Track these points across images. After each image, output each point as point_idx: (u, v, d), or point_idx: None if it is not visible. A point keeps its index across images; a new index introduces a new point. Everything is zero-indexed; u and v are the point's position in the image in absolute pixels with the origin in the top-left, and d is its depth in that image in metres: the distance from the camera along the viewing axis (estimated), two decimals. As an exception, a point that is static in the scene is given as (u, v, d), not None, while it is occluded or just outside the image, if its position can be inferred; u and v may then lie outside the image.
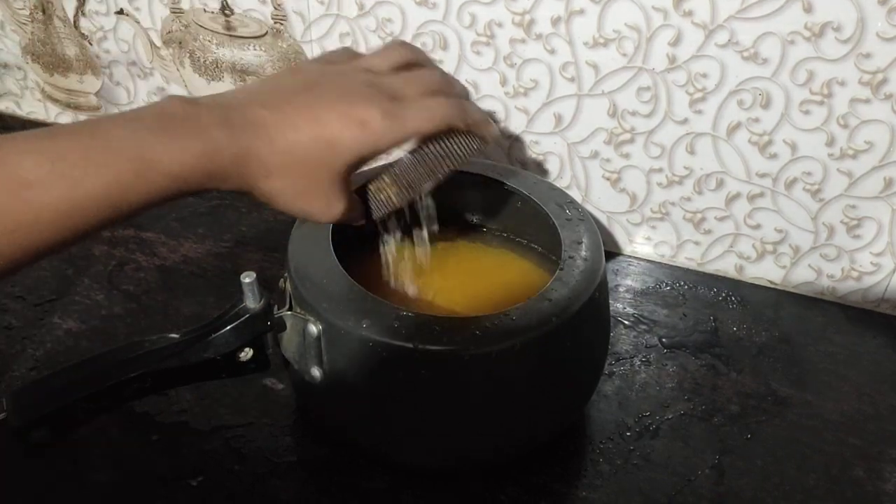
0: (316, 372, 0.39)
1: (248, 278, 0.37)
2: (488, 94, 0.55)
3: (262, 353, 0.39)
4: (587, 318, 0.40)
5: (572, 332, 0.39)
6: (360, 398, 0.39)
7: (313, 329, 0.38)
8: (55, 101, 0.73)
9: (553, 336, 0.38)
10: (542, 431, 0.42)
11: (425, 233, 0.44)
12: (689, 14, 0.47)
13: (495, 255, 0.50)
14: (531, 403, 0.40)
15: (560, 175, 0.57)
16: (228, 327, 0.38)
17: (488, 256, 0.50)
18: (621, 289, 0.56)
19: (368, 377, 0.38)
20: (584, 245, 0.42)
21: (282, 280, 0.42)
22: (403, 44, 0.40)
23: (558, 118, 0.55)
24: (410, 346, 0.36)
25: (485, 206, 0.51)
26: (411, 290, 0.45)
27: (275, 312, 0.39)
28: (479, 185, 0.49)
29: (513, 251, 0.51)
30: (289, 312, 0.39)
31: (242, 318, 0.38)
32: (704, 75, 0.49)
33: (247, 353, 0.39)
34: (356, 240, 0.43)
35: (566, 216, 0.44)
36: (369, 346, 0.37)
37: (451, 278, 0.48)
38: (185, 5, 0.61)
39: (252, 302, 0.38)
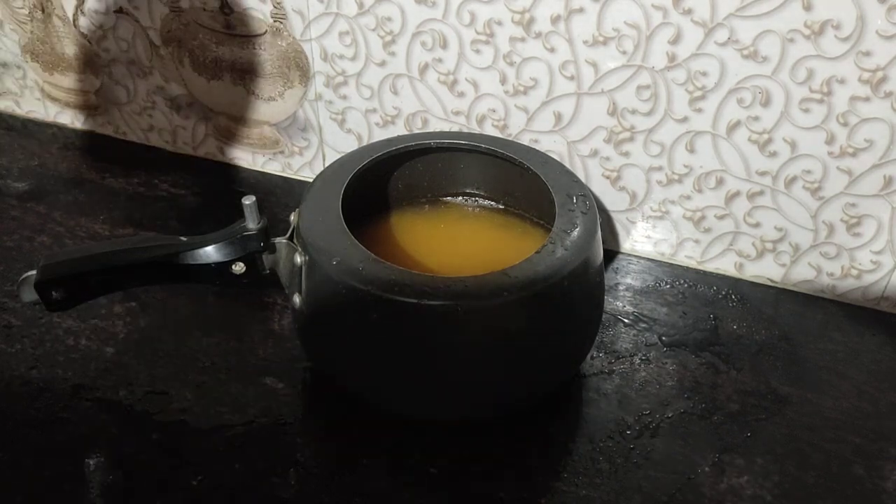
0: (297, 300, 0.43)
1: (248, 200, 0.42)
2: (488, 92, 0.55)
3: (254, 271, 0.44)
4: (581, 277, 0.41)
5: (565, 292, 0.40)
6: (327, 332, 0.42)
7: (298, 259, 0.42)
8: (54, 100, 0.73)
9: (546, 295, 0.39)
10: (522, 391, 0.43)
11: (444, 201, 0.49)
12: (689, 12, 0.47)
13: (504, 229, 0.52)
14: (507, 358, 0.41)
15: (560, 173, 0.57)
16: (225, 240, 0.43)
17: (497, 231, 0.52)
18: (621, 287, 0.56)
19: (332, 313, 0.41)
20: (579, 209, 0.44)
21: (293, 213, 0.45)
22: None
23: (558, 116, 0.55)
24: (366, 289, 0.38)
25: (493, 180, 0.53)
26: (415, 255, 0.49)
27: (274, 238, 0.44)
28: (486, 162, 0.51)
29: (522, 225, 0.52)
30: (284, 241, 0.43)
31: (239, 235, 0.43)
32: (704, 73, 0.49)
33: (240, 268, 0.43)
34: (377, 206, 0.51)
35: (567, 190, 0.45)
36: (334, 284, 0.39)
37: (456, 246, 0.51)
38: (184, 4, 0.61)
39: (251, 223, 0.42)
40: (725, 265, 0.58)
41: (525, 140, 0.57)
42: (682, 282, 0.57)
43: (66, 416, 0.45)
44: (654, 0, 0.48)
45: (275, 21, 0.59)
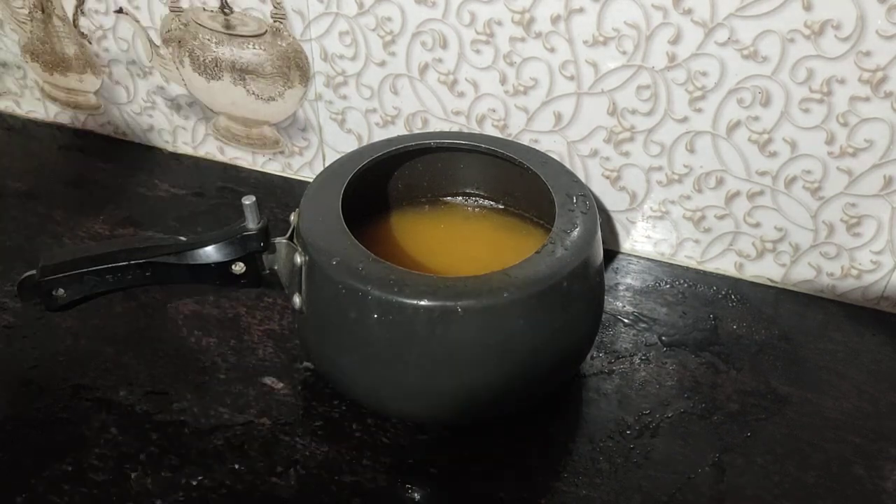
0: (297, 300, 0.42)
1: (248, 200, 0.42)
2: (488, 92, 0.55)
3: (254, 271, 0.44)
4: (581, 277, 0.41)
5: (565, 293, 0.40)
6: (327, 332, 0.42)
7: (298, 259, 0.42)
8: (54, 99, 0.73)
9: (546, 295, 0.39)
10: (522, 392, 0.43)
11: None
12: (689, 12, 0.47)
13: (504, 229, 0.52)
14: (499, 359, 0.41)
15: (560, 173, 0.57)
16: (225, 240, 0.43)
17: (497, 231, 0.52)
18: (621, 287, 0.56)
19: (332, 313, 0.41)
20: (579, 209, 0.44)
21: (293, 213, 0.45)
22: None
23: (558, 117, 0.55)
24: (366, 289, 0.38)
25: (493, 180, 0.53)
26: (415, 255, 0.49)
27: (274, 238, 0.44)
28: (486, 162, 0.51)
29: (522, 225, 0.52)
30: (284, 241, 0.43)
31: (239, 235, 0.43)
32: (704, 73, 0.49)
33: (240, 268, 0.43)
34: (377, 206, 0.51)
35: (567, 190, 0.45)
36: (334, 284, 0.39)
37: (456, 246, 0.51)
38: (184, 4, 0.61)
39: (251, 223, 0.42)
40: (725, 265, 0.58)
41: (525, 140, 0.57)
42: (682, 282, 0.57)
43: (66, 416, 0.45)
44: (654, 0, 0.48)
45: (275, 21, 0.59)
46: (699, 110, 0.51)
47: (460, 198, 0.54)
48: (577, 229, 0.42)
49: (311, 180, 0.47)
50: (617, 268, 0.58)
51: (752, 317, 0.54)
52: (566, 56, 0.52)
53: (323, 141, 0.64)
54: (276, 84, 0.62)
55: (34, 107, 0.75)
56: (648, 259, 0.59)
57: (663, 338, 0.52)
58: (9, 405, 0.46)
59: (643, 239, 0.59)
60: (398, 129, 0.60)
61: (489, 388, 0.41)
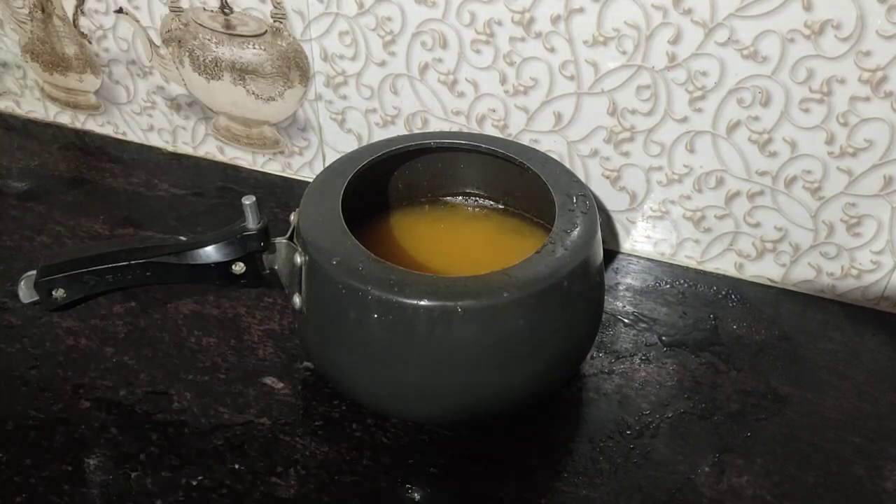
0: (297, 300, 0.42)
1: (248, 200, 0.42)
2: (488, 92, 0.55)
3: (254, 271, 0.44)
4: (581, 277, 0.41)
5: (565, 293, 0.40)
6: (327, 332, 0.42)
7: (298, 259, 0.42)
8: (54, 99, 0.73)
9: (546, 295, 0.39)
10: (522, 391, 0.43)
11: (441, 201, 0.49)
12: (689, 12, 0.47)
13: (504, 229, 0.52)
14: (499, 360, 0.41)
15: (560, 173, 0.57)
16: (225, 240, 0.43)
17: (497, 231, 0.52)
18: (621, 287, 0.56)
19: (332, 313, 0.41)
20: (579, 209, 0.44)
21: (293, 213, 0.45)
22: None
23: (558, 116, 0.55)
24: (366, 289, 0.38)
25: (493, 180, 0.53)
26: (415, 255, 0.49)
27: (274, 238, 0.44)
28: (486, 162, 0.51)
29: (522, 225, 0.52)
30: (284, 241, 0.43)
31: (239, 235, 0.43)
32: (704, 73, 0.49)
33: (240, 268, 0.44)
34: (377, 206, 0.51)
35: (567, 189, 0.45)
36: (335, 284, 0.39)
37: (456, 246, 0.51)
38: (184, 4, 0.61)
39: (251, 223, 0.42)
40: (725, 265, 0.58)
41: (525, 140, 0.57)
42: (682, 282, 0.57)
43: (66, 416, 0.45)
44: (654, 0, 0.48)
45: (275, 21, 0.59)
46: (699, 110, 0.51)
47: (460, 198, 0.54)
48: (577, 229, 0.42)
49: (311, 180, 0.47)
50: (617, 268, 0.58)
51: (752, 317, 0.54)
52: (566, 56, 0.52)
53: (323, 141, 0.64)
54: (276, 84, 0.62)
55: (34, 107, 0.75)
56: (648, 259, 0.59)
57: (663, 338, 0.52)
58: (9, 405, 0.46)
59: (643, 239, 0.59)
60: (398, 129, 0.60)
61: (489, 388, 0.41)
